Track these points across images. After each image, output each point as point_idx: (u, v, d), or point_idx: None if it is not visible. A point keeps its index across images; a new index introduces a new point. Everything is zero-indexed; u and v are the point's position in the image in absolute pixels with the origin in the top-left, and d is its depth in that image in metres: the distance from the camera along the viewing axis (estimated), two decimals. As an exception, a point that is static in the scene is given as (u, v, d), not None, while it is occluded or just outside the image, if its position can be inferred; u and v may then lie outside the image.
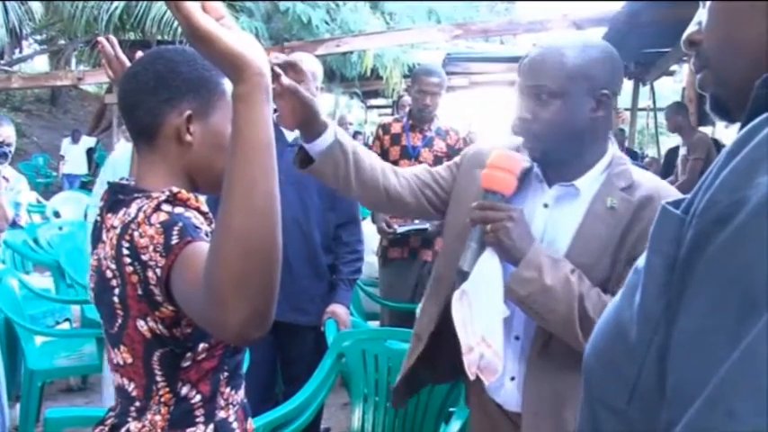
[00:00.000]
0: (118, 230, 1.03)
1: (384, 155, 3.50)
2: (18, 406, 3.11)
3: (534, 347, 1.42)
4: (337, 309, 2.54)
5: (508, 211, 1.37)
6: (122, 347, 1.08)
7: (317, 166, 1.44)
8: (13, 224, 3.89)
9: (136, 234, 0.99)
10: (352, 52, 9.42)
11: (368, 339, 2.48)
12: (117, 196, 1.10)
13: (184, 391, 1.09)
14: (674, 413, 0.49)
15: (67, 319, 4.04)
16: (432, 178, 1.59)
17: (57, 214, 6.96)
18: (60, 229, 5.44)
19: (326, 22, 10.11)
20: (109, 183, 1.16)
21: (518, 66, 1.43)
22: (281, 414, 2.13)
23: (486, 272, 1.39)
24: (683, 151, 5.74)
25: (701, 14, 0.67)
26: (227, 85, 1.13)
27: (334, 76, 11.11)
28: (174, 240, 0.96)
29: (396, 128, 3.52)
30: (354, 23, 10.23)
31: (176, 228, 0.97)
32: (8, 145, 2.87)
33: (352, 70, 10.58)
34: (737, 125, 0.60)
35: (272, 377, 2.71)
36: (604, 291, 1.35)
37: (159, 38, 8.96)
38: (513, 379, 1.47)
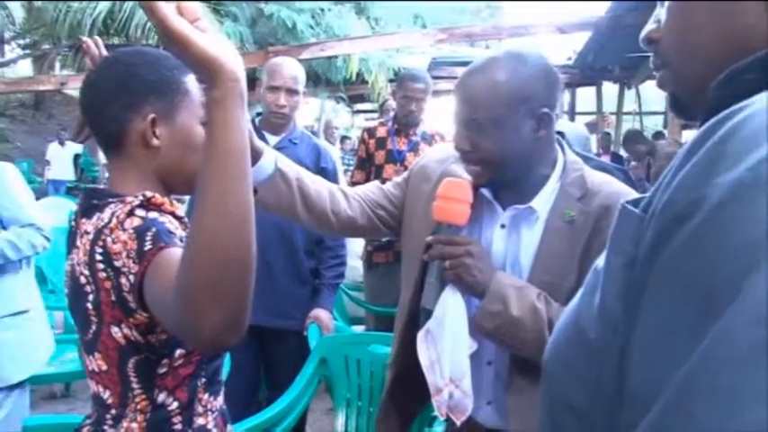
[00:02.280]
0: (91, 236, 1.01)
1: (369, 159, 3.51)
2: None
3: (512, 371, 1.38)
4: (320, 313, 2.54)
5: (466, 245, 1.32)
6: (97, 354, 1.07)
7: (260, 197, 1.37)
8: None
9: (109, 240, 0.98)
10: (337, 57, 9.41)
11: (350, 344, 2.48)
12: (91, 201, 1.08)
13: (161, 398, 1.08)
14: (633, 415, 0.48)
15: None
16: (383, 195, 1.55)
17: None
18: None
19: (311, 27, 10.11)
20: (83, 187, 1.14)
21: (454, 88, 1.36)
22: (264, 419, 2.12)
23: (449, 308, 1.35)
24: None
25: (660, 13, 0.67)
26: (191, 83, 1.12)
27: (320, 80, 11.10)
28: (148, 246, 0.95)
29: (381, 132, 3.53)
30: (339, 28, 10.24)
31: (150, 233, 0.96)
32: None
33: (338, 75, 10.57)
34: None
35: (256, 382, 2.70)
36: None
37: (143, 42, 8.91)
38: (489, 403, 1.45)
